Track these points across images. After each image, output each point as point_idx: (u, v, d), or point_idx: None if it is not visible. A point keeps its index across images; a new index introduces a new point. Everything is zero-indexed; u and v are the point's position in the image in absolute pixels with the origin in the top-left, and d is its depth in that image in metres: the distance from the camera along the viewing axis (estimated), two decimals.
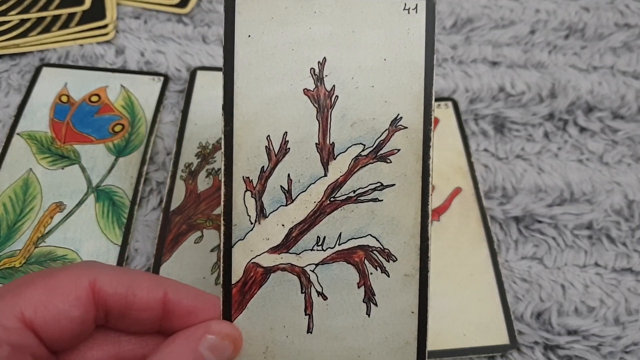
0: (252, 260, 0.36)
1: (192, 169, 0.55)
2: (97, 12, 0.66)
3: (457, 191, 0.56)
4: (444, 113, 0.61)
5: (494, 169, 0.58)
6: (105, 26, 0.65)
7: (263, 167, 0.35)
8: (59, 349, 0.33)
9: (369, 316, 0.36)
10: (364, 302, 0.36)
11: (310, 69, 0.35)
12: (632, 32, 0.70)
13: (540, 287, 0.51)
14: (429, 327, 0.46)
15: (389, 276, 0.36)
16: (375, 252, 0.36)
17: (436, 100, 0.62)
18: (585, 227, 0.55)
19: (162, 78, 0.63)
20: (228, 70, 0.35)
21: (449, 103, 0.62)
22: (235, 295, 0.35)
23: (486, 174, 0.57)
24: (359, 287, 0.36)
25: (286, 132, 0.35)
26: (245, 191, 0.35)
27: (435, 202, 0.55)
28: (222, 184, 0.35)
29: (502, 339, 0.48)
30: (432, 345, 0.47)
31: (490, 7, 0.71)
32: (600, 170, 0.58)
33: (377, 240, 0.36)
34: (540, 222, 0.55)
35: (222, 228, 0.35)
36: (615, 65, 0.67)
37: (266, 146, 0.35)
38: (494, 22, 0.70)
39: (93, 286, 0.32)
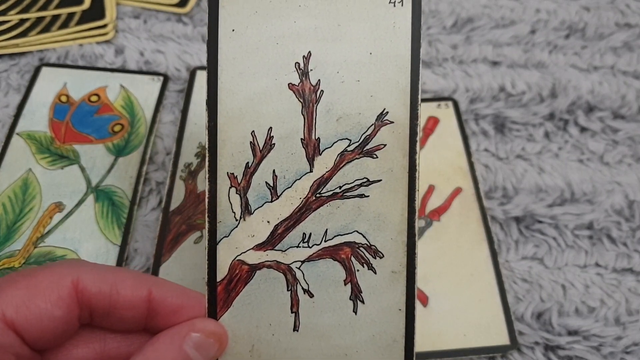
0: (237, 258, 0.35)
1: (192, 169, 0.55)
2: (96, 11, 0.66)
3: (457, 191, 0.55)
4: (444, 113, 0.61)
5: (494, 169, 0.57)
6: (104, 26, 0.66)
7: (248, 163, 0.35)
8: (43, 348, 0.33)
9: (355, 314, 0.35)
10: (350, 299, 0.35)
11: (295, 64, 0.35)
12: (632, 32, 0.70)
13: (540, 287, 0.51)
14: (429, 327, 0.46)
15: (375, 273, 0.35)
16: (361, 248, 0.35)
17: (436, 100, 0.62)
18: (585, 227, 0.54)
19: (161, 78, 0.63)
20: (212, 65, 0.35)
21: (449, 103, 0.62)
22: (220, 293, 0.35)
23: (486, 174, 0.57)
24: (345, 285, 0.35)
25: (271, 128, 0.35)
26: (230, 187, 0.35)
27: (435, 202, 0.55)
28: (207, 180, 0.35)
29: (503, 339, 0.48)
30: (432, 345, 0.47)
31: (490, 7, 0.71)
32: (601, 170, 0.58)
33: (364, 237, 0.35)
34: (540, 222, 0.54)
35: (207, 225, 0.35)
36: (615, 65, 0.66)
37: (251, 142, 0.35)
38: (494, 21, 0.70)
39: (76, 285, 0.32)
